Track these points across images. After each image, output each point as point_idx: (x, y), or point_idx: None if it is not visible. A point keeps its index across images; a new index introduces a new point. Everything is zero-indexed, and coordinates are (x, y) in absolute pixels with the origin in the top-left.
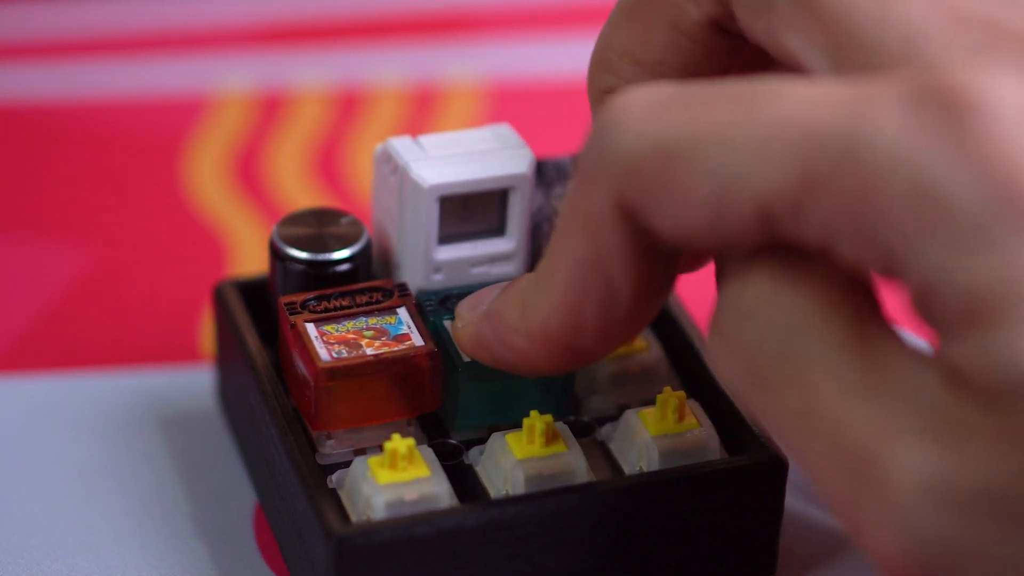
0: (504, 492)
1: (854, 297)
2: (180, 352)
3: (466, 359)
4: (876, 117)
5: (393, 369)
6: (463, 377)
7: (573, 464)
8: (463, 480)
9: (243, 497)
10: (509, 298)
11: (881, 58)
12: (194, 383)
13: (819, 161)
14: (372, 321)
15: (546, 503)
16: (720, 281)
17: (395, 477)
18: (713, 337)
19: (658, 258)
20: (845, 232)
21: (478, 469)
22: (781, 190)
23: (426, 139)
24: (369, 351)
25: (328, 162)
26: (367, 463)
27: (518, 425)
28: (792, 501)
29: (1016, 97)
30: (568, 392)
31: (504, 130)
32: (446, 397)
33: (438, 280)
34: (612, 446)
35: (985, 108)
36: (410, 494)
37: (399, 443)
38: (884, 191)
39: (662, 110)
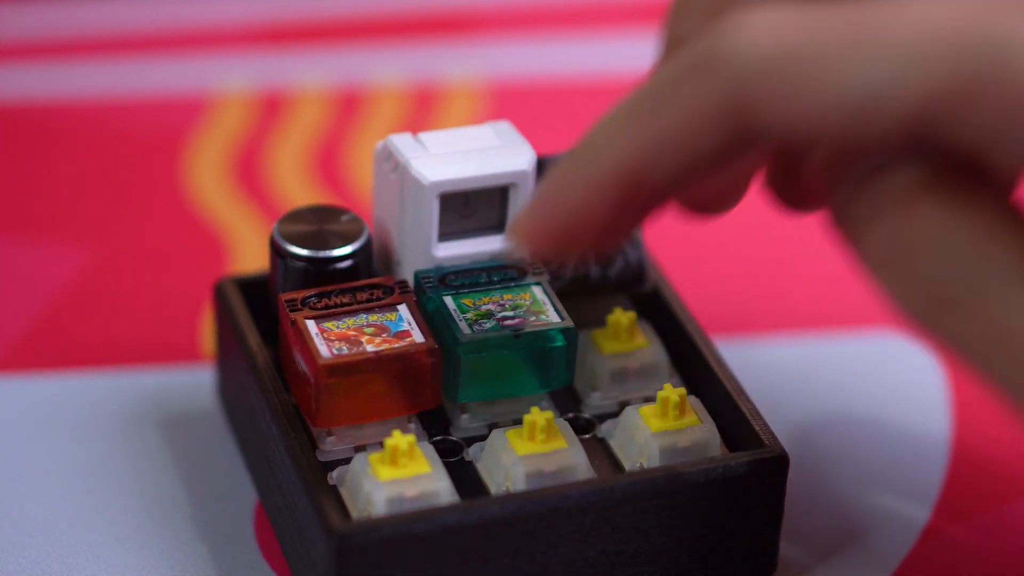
0: (505, 489)
1: (1018, 211)
2: (180, 352)
3: (466, 332)
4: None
5: (394, 366)
6: (464, 350)
7: (574, 461)
8: (464, 477)
9: (243, 496)
10: (562, 163)
11: None
12: (194, 382)
13: (976, 65)
14: (373, 318)
15: (547, 500)
16: (855, 206)
17: (396, 473)
18: (886, 269)
19: (753, 155)
20: (1006, 136)
21: (478, 466)
22: (937, 95)
23: (427, 136)
24: (370, 348)
25: (328, 162)
26: (368, 459)
27: (519, 402)
28: (792, 500)
29: None
30: (569, 368)
31: (504, 127)
32: (447, 371)
33: None
34: (613, 443)
35: None
36: (411, 490)
37: (400, 439)
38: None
39: (799, 18)
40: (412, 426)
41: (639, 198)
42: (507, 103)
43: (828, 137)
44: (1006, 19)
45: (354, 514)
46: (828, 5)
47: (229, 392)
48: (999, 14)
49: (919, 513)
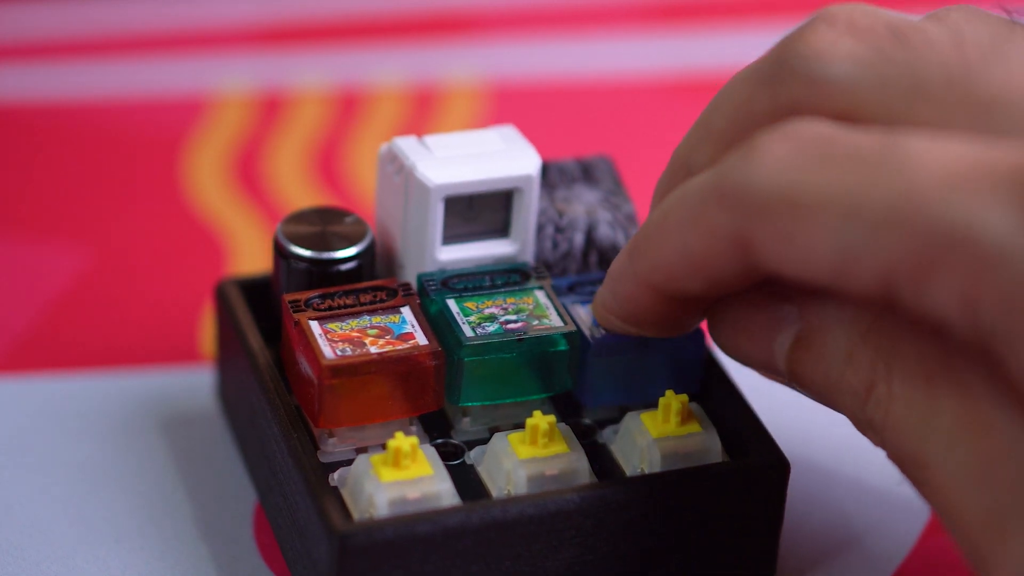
0: (506, 492)
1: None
2: (180, 352)
3: (469, 335)
4: (987, 202)
5: (397, 368)
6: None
7: (575, 465)
8: (465, 480)
9: (243, 497)
10: (620, 253)
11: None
12: (194, 383)
13: (935, 244)
14: (376, 320)
15: (548, 503)
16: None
17: (398, 475)
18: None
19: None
20: (958, 313)
21: (480, 469)
22: (900, 266)
23: (431, 139)
24: (373, 349)
25: (328, 162)
26: (370, 461)
27: (521, 406)
28: (792, 503)
29: None
30: (572, 372)
31: (509, 132)
32: (450, 374)
33: None
34: (614, 448)
35: None
36: (412, 492)
37: (403, 441)
38: (991, 282)
39: (804, 158)
40: (414, 429)
41: (683, 301)
42: (508, 104)
43: (816, 284)
44: (979, 193)
45: (356, 516)
46: (846, 133)
47: (230, 393)
48: (977, 184)
49: (918, 517)
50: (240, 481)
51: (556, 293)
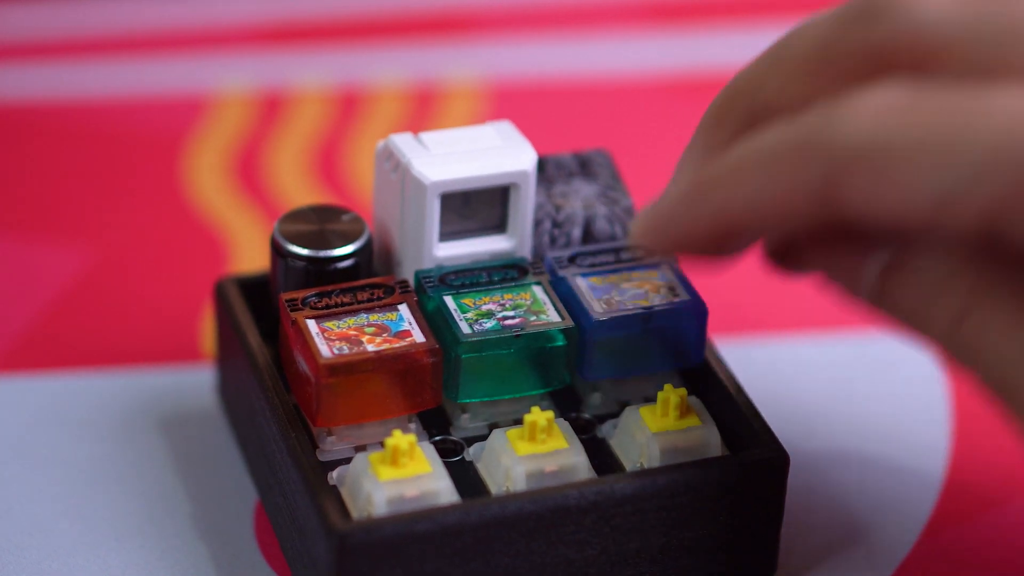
0: (505, 489)
1: None
2: (180, 351)
3: (467, 332)
4: None
5: (394, 365)
6: (464, 350)
7: (574, 461)
8: (463, 477)
9: (243, 496)
10: (674, 194)
11: None
12: (194, 382)
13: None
14: (373, 318)
15: (547, 500)
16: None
17: (396, 473)
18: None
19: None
20: None
21: (479, 466)
22: (1006, 202)
23: (428, 136)
24: (370, 347)
25: (328, 162)
26: (368, 459)
27: (519, 402)
28: (793, 500)
29: None
30: (569, 368)
31: (506, 127)
32: (448, 371)
33: None
34: (613, 443)
35: None
36: (411, 490)
37: (400, 439)
38: None
39: (895, 110)
40: (412, 426)
41: (737, 235)
42: (507, 103)
43: (910, 229)
44: None
45: (355, 514)
46: (936, 86)
47: (229, 392)
48: None
49: (919, 513)
50: (240, 480)
51: (557, 265)
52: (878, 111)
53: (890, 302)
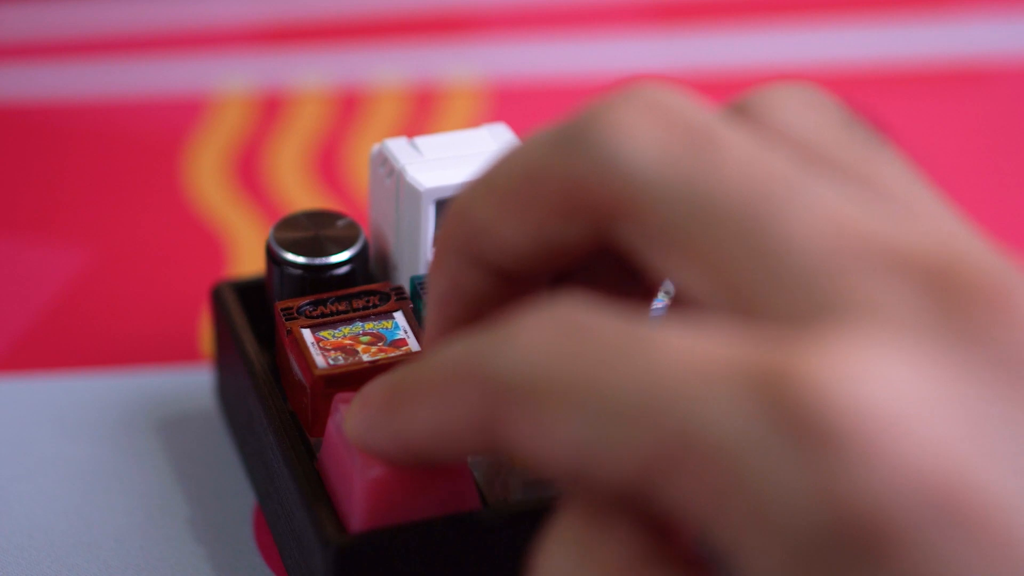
0: (501, 497)
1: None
2: (180, 352)
3: None
4: (716, 400)
5: None
6: None
7: None
8: None
9: (242, 498)
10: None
11: (778, 301)
12: (194, 383)
13: (664, 443)
14: (369, 326)
15: (544, 508)
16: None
17: None
18: None
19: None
20: (694, 517)
21: (476, 474)
22: (641, 464)
23: (422, 141)
24: (366, 357)
25: (328, 162)
26: None
27: None
28: None
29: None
30: None
31: (500, 130)
32: None
33: None
34: None
35: (830, 419)
36: None
37: None
38: (716, 487)
39: (556, 344)
40: None
41: (427, 458)
42: (507, 104)
43: (561, 477)
44: (710, 390)
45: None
46: (606, 313)
47: (227, 395)
48: (710, 380)
49: None
50: (239, 481)
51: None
52: (539, 343)
53: None
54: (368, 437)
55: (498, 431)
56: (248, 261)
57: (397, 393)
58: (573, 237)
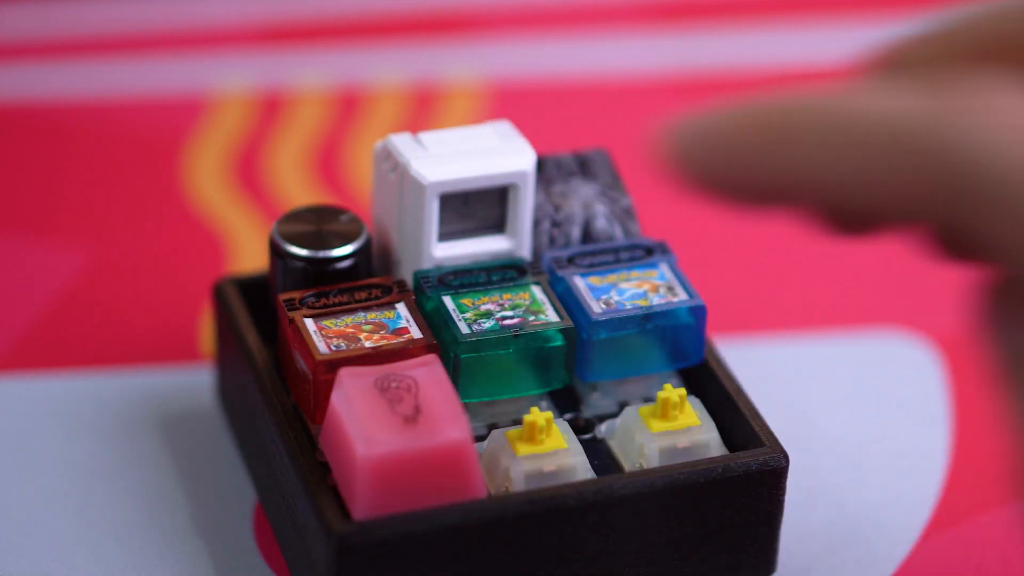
0: (504, 489)
1: None
2: (180, 352)
3: (466, 332)
4: None
5: (391, 362)
6: (463, 350)
7: (573, 461)
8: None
9: (243, 496)
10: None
11: None
12: (194, 382)
13: None
14: (371, 316)
15: (546, 500)
16: None
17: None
18: None
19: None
20: None
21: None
22: None
23: (426, 136)
24: (368, 344)
25: (328, 162)
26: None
27: (518, 402)
28: (792, 500)
29: None
30: (568, 367)
31: (505, 127)
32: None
33: None
34: (612, 443)
35: None
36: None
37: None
38: None
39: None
40: None
41: (795, 199)
42: (507, 103)
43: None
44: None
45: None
46: None
47: (229, 392)
48: None
49: (919, 513)
50: (240, 480)
51: (556, 265)
52: (1016, 127)
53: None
54: (721, 150)
55: (963, 215)
56: (248, 261)
57: (790, 120)
58: None
